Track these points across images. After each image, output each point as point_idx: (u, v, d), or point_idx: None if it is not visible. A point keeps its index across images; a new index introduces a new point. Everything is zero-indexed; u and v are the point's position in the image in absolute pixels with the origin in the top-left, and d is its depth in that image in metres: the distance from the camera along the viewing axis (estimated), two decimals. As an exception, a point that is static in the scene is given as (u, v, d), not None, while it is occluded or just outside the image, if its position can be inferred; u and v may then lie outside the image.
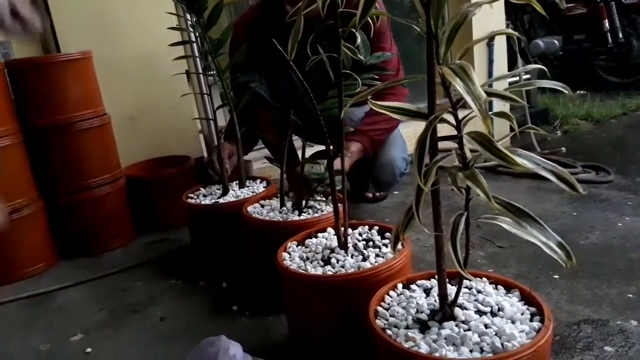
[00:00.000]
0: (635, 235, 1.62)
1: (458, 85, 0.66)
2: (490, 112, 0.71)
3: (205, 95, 2.16)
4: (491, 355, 0.75)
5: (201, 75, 2.11)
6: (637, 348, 1.09)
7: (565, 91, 0.74)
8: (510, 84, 0.79)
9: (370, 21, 0.92)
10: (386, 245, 1.16)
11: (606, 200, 1.94)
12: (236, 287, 1.55)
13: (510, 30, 0.76)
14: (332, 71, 1.06)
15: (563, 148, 2.52)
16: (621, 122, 3.19)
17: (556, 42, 4.09)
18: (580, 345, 1.12)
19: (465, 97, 0.65)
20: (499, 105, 2.52)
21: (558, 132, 3.08)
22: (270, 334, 1.29)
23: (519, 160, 0.68)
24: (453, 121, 0.76)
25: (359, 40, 1.01)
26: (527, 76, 3.16)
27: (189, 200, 1.68)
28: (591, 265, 1.45)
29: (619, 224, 1.72)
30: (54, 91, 1.84)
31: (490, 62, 2.93)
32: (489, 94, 0.70)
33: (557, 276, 1.41)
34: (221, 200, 1.63)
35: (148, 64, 2.17)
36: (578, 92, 3.82)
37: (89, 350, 1.32)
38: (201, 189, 1.77)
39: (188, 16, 1.57)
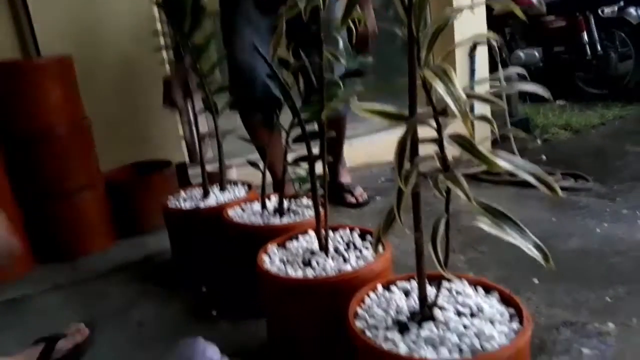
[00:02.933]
0: (613, 241, 1.64)
1: (438, 87, 0.66)
2: (472, 117, 0.72)
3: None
4: (470, 356, 0.75)
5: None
6: (614, 350, 1.11)
7: (545, 95, 0.75)
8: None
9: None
10: (367, 248, 1.16)
11: (585, 207, 1.97)
12: (216, 292, 1.53)
13: (492, 34, 0.77)
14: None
15: (543, 156, 2.56)
16: (599, 132, 3.25)
17: (536, 53, 4.16)
18: (558, 348, 1.13)
19: (445, 99, 0.66)
20: (481, 112, 2.55)
21: (538, 140, 3.12)
22: (250, 339, 1.28)
23: (499, 162, 0.69)
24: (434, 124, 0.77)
25: (340, 45, 1.01)
26: (508, 86, 3.20)
27: (168, 204, 1.67)
28: (570, 271, 1.47)
29: (598, 230, 1.74)
30: (34, 95, 1.81)
31: (472, 72, 2.97)
32: (469, 95, 0.71)
33: (537, 281, 1.42)
34: (201, 204, 1.62)
35: (129, 68, 2.16)
36: (558, 102, 3.88)
37: (65, 355, 1.29)
38: (181, 192, 1.75)
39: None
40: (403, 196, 0.73)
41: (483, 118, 0.79)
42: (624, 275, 1.43)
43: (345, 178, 2.22)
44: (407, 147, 0.73)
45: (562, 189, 2.18)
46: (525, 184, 2.21)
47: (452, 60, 2.76)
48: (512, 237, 0.71)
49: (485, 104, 0.76)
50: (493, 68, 3.18)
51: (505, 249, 1.60)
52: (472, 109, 2.52)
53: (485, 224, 0.76)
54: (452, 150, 0.72)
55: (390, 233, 0.82)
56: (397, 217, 0.73)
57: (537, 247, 0.71)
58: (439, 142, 0.75)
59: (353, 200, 2.14)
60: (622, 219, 1.83)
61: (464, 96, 0.65)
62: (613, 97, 3.90)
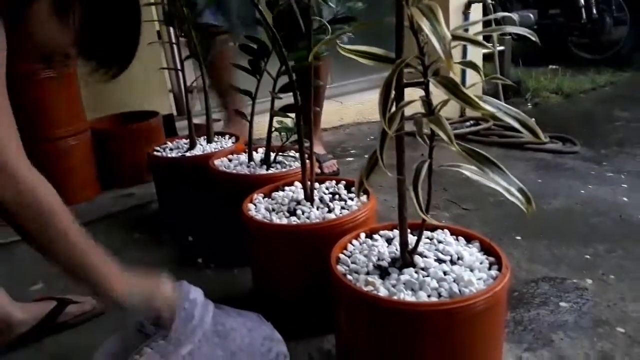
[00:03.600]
0: (597, 202, 1.66)
1: (424, 25, 0.65)
2: (457, 62, 0.71)
3: (174, 47, 2.11)
4: (448, 299, 0.76)
5: (171, 27, 2.05)
6: (590, 304, 1.13)
7: (533, 38, 0.74)
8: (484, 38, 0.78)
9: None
10: (352, 199, 1.16)
11: (571, 170, 1.98)
12: (202, 241, 1.54)
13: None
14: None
15: (533, 119, 2.55)
16: (590, 97, 3.25)
17: (531, 15, 4.09)
18: (537, 301, 1.15)
19: (430, 37, 0.64)
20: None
21: (529, 104, 3.11)
22: (235, 286, 1.29)
23: (484, 105, 0.68)
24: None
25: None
26: (502, 48, 3.17)
27: (155, 153, 1.65)
28: (553, 229, 1.49)
29: (582, 192, 1.76)
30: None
31: (466, 30, 2.92)
32: (455, 36, 0.70)
33: (519, 237, 1.44)
34: (188, 154, 1.61)
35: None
36: (550, 66, 3.85)
37: (49, 299, 1.30)
38: (168, 143, 1.74)
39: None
40: (386, 138, 0.73)
41: (469, 64, 0.78)
42: (605, 234, 1.45)
43: (317, 148, 2.16)
44: (392, 89, 0.72)
45: (550, 151, 2.21)
46: (513, 146, 2.25)
47: (445, 19, 2.72)
48: (494, 182, 0.71)
49: (474, 46, 0.75)
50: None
51: (489, 208, 1.62)
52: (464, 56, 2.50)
53: (468, 171, 0.75)
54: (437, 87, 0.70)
55: (376, 189, 0.82)
56: (380, 160, 0.73)
57: (521, 190, 0.71)
58: (424, 85, 0.74)
59: (318, 171, 2.09)
60: (606, 182, 1.84)
61: (448, 35, 0.64)
62: (605, 63, 3.89)
